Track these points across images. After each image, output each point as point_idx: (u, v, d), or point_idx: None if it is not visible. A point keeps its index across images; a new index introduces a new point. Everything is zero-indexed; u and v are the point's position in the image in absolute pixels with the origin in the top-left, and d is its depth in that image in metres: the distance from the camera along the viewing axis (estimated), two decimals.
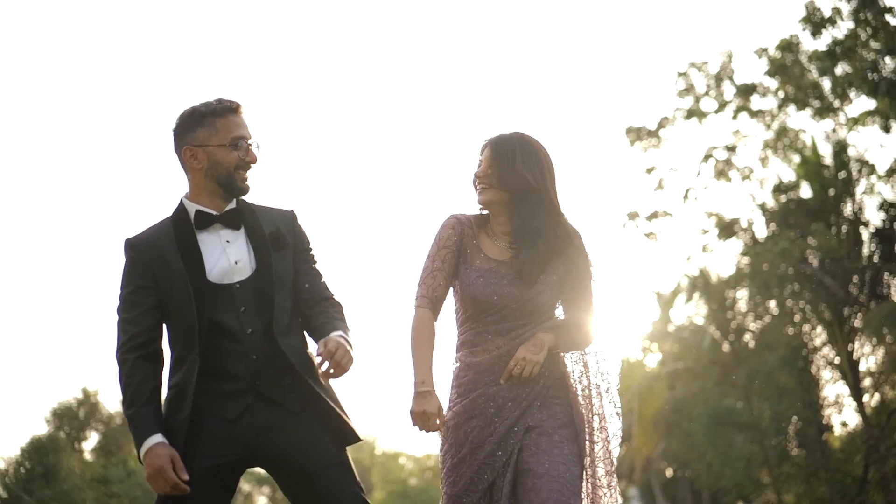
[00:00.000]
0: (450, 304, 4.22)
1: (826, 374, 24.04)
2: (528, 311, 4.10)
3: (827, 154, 22.77)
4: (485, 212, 4.23)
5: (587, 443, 4.14)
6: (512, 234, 4.15)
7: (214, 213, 3.91)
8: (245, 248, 3.90)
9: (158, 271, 3.85)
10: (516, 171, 4.09)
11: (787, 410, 23.94)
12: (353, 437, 3.93)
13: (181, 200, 3.96)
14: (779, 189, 23.04)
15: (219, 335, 3.81)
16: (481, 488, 4.04)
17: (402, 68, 68.48)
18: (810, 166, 22.63)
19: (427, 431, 4.00)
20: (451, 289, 4.20)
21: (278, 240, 3.96)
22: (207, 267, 3.84)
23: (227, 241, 3.90)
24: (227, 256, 3.88)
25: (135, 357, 3.80)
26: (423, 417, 3.94)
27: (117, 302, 3.91)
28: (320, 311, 3.96)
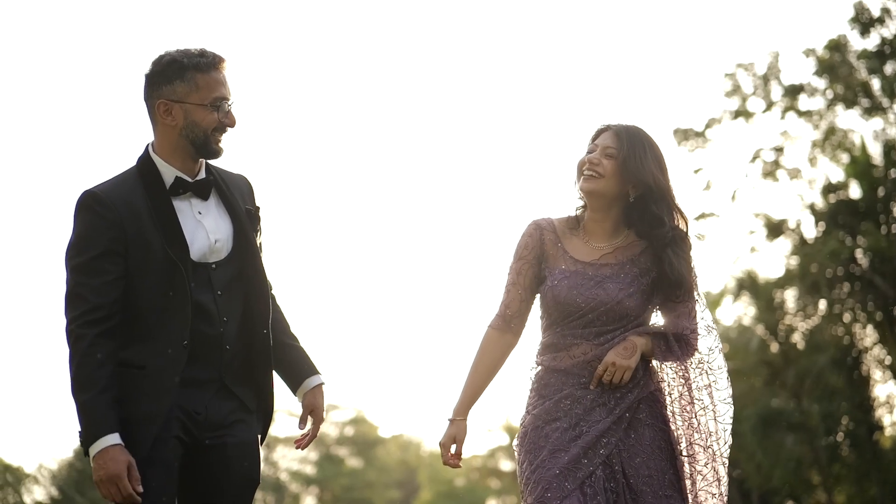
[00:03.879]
0: (535, 312, 3.97)
1: (877, 374, 23.93)
2: (617, 315, 3.80)
3: (876, 153, 22.65)
4: (576, 211, 3.96)
5: (686, 462, 3.84)
6: (650, 241, 3.84)
7: (189, 179, 3.56)
8: (220, 225, 3.59)
9: (132, 238, 3.45)
10: (646, 167, 3.81)
11: (837, 411, 23.85)
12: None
13: (149, 154, 3.58)
14: (828, 189, 22.95)
15: (197, 318, 3.50)
16: (559, 496, 3.69)
17: (436, 67, 68.56)
18: (859, 166, 22.51)
19: (444, 464, 3.88)
20: (535, 298, 3.94)
21: (254, 218, 3.67)
22: (188, 242, 3.51)
23: (200, 213, 3.57)
24: (205, 232, 3.55)
25: (94, 334, 3.40)
26: (441, 450, 3.86)
27: (70, 261, 3.47)
28: (275, 317, 3.74)
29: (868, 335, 23.60)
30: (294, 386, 3.76)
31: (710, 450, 3.85)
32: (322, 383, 3.75)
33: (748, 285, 25.74)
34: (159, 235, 3.46)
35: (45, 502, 35.26)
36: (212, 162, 3.66)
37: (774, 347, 26.11)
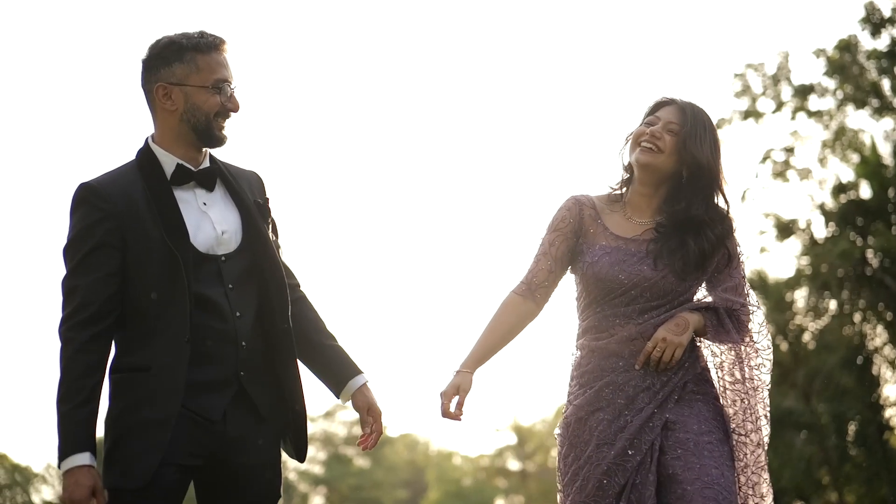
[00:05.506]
0: (569, 293, 3.84)
1: (887, 374, 23.96)
2: (662, 291, 3.64)
3: (886, 153, 22.68)
4: (616, 185, 3.83)
5: (741, 444, 3.65)
6: (667, 216, 3.71)
7: (192, 168, 3.37)
8: (227, 216, 3.40)
9: (130, 230, 3.26)
10: (704, 150, 3.67)
11: (848, 411, 23.87)
12: (303, 454, 3.49)
13: (148, 145, 3.39)
14: (838, 189, 22.97)
15: (205, 313, 3.29)
16: (611, 493, 3.56)
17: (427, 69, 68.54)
18: (869, 166, 22.52)
19: (442, 416, 3.63)
20: (565, 275, 3.79)
21: (264, 210, 3.49)
22: (190, 233, 3.30)
23: (205, 204, 3.37)
24: (210, 223, 3.35)
25: (85, 337, 3.20)
26: (441, 399, 3.63)
27: (66, 258, 3.28)
28: (307, 316, 3.57)
29: (878, 335, 23.63)
30: (336, 388, 3.57)
31: (758, 433, 3.66)
32: (366, 381, 3.57)
33: (758, 285, 25.73)
34: (158, 226, 3.26)
35: (53, 502, 35.37)
36: (218, 157, 3.49)
37: (784, 347, 26.12)
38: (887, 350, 23.45)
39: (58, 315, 3.28)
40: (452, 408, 3.64)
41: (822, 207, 23.34)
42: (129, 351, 3.28)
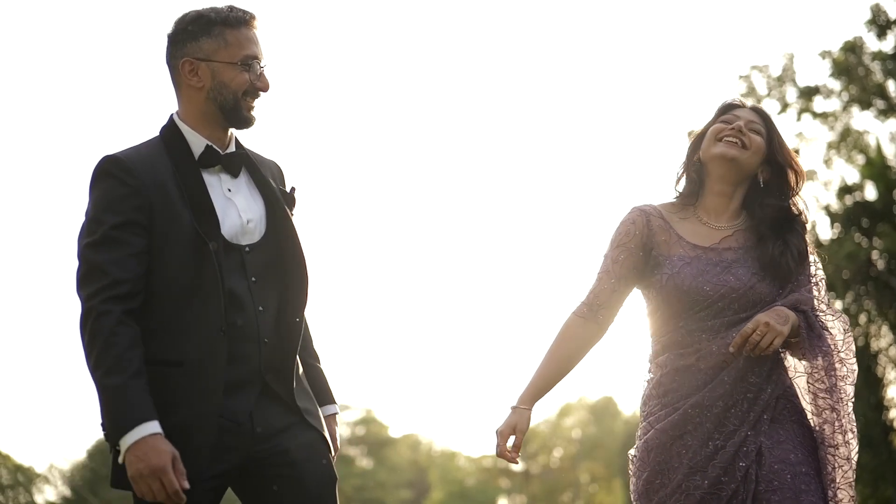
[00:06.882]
0: (634, 309, 3.63)
1: (891, 375, 23.95)
2: (750, 301, 3.42)
3: (891, 154, 22.69)
4: (671, 197, 3.64)
5: (829, 457, 3.41)
6: (758, 213, 3.55)
7: (220, 151, 3.20)
8: (252, 204, 3.24)
9: (158, 211, 3.07)
10: (786, 150, 3.64)
11: (853, 412, 23.88)
12: (335, 448, 3.41)
13: (174, 122, 3.22)
14: (843, 191, 22.99)
15: (230, 307, 3.11)
16: None
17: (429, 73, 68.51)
18: (875, 167, 22.53)
19: (498, 456, 3.43)
20: (630, 292, 3.57)
21: (290, 199, 3.33)
22: (219, 219, 3.14)
23: (229, 190, 3.21)
24: (236, 211, 3.18)
25: (121, 311, 2.98)
26: (497, 438, 3.42)
27: (87, 232, 3.07)
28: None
29: (884, 336, 23.63)
30: None
31: (847, 447, 3.43)
32: (337, 412, 3.45)
33: None
34: (187, 209, 3.09)
35: (56, 502, 35.41)
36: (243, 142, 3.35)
37: None
38: (892, 351, 23.44)
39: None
40: (509, 447, 3.45)
41: (827, 209, 23.34)
42: (154, 341, 3.07)
